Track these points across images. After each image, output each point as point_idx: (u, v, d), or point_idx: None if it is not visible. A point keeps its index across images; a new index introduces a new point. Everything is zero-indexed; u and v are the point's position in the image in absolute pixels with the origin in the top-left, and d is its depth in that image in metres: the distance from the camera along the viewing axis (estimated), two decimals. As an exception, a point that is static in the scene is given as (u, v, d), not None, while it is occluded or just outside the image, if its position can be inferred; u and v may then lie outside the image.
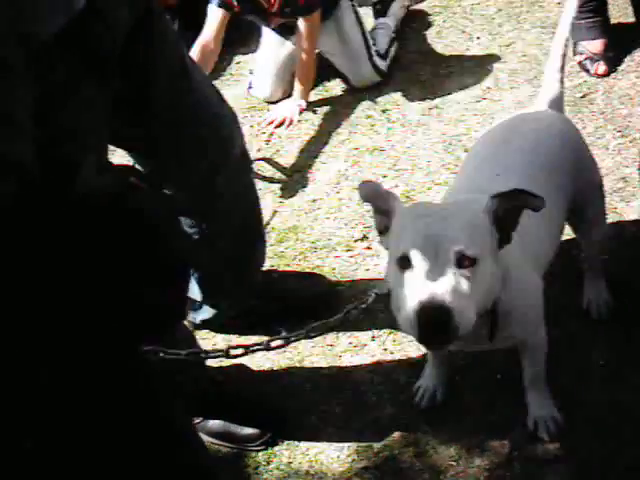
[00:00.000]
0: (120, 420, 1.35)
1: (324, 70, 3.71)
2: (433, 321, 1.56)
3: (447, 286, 1.57)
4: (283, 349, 2.09)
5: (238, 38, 3.92)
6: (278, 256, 2.86)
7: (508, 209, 1.68)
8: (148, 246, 1.28)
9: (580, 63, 3.36)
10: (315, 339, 2.52)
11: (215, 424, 2.34)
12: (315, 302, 2.57)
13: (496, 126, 2.30)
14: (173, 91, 1.94)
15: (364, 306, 1.86)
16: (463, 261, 1.60)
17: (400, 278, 1.64)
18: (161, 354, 1.77)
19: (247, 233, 2.39)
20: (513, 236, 1.72)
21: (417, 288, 1.59)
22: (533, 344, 2.08)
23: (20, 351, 1.21)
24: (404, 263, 1.63)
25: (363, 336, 2.54)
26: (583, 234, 2.36)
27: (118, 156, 2.16)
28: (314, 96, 3.60)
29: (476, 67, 3.53)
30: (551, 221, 2.02)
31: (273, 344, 1.83)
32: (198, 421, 2.34)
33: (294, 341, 1.86)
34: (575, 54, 3.38)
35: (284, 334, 1.87)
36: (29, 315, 1.19)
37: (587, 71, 3.35)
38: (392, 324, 2.48)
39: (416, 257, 1.61)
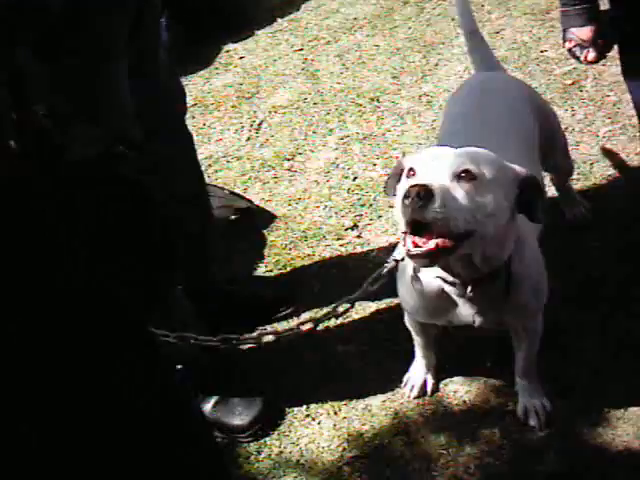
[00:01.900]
0: (129, 408, 1.34)
1: (313, 58, 3.72)
2: (416, 196, 1.56)
3: (438, 182, 1.60)
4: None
5: (228, 27, 3.92)
6: (268, 245, 2.86)
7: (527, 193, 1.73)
8: (144, 213, 1.28)
9: (569, 50, 3.36)
10: (304, 328, 2.53)
11: (206, 411, 2.34)
12: (278, 305, 2.59)
13: (465, 91, 2.37)
14: None
15: (384, 272, 1.89)
16: (465, 176, 1.63)
17: (404, 186, 1.66)
18: (192, 340, 1.81)
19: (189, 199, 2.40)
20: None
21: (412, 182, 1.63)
22: (532, 328, 2.09)
23: (20, 334, 1.20)
24: (409, 174, 1.69)
25: (354, 326, 2.54)
26: (555, 168, 2.50)
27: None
28: (303, 85, 3.59)
29: (465, 55, 3.51)
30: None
31: (304, 327, 1.90)
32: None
33: (323, 321, 1.94)
34: (565, 41, 3.38)
35: (311, 316, 1.92)
36: (30, 296, 1.19)
37: (577, 58, 3.34)
38: (384, 314, 2.50)
39: (420, 166, 1.67)
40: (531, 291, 1.93)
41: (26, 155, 1.22)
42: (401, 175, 1.76)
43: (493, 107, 2.18)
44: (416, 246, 1.60)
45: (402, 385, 2.34)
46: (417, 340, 2.27)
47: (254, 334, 1.92)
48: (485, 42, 2.50)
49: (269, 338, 1.86)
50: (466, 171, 1.63)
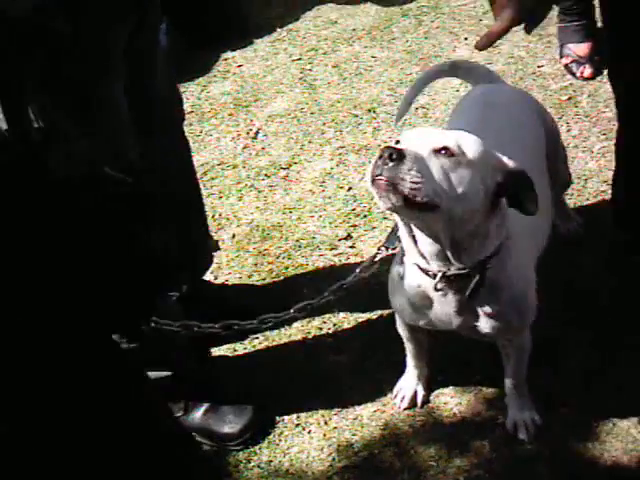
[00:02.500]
0: (100, 409, 1.34)
1: (311, 68, 3.73)
2: (388, 156, 1.57)
3: (414, 150, 1.61)
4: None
5: (226, 35, 3.94)
6: (262, 254, 2.86)
7: (512, 186, 1.72)
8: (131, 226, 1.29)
9: (566, 66, 3.38)
10: (297, 337, 2.54)
11: (196, 419, 2.35)
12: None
13: (467, 105, 2.35)
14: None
15: (376, 260, 1.93)
16: (444, 152, 1.63)
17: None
18: (195, 329, 1.83)
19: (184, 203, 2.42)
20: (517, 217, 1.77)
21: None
22: (518, 345, 2.09)
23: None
24: (395, 143, 1.69)
25: (346, 336, 2.55)
26: (555, 179, 2.41)
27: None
28: (300, 95, 3.60)
29: (463, 68, 3.54)
30: (546, 197, 2.07)
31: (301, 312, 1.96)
32: (178, 415, 2.34)
33: (320, 304, 1.99)
34: (561, 56, 3.39)
35: (308, 301, 1.99)
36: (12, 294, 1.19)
37: (573, 74, 3.36)
38: (376, 325, 2.51)
39: (405, 139, 1.68)
40: (510, 304, 1.90)
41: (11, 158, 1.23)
42: None
43: (498, 119, 2.16)
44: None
45: (393, 396, 2.34)
46: (408, 348, 2.27)
47: (254, 320, 1.94)
48: (472, 62, 2.50)
49: (269, 325, 1.95)
50: (445, 148, 1.63)
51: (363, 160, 3.18)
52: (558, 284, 2.46)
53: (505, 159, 1.73)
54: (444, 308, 1.89)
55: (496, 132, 2.06)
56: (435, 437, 2.26)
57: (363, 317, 2.56)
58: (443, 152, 1.63)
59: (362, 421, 2.33)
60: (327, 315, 2.60)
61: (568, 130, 3.11)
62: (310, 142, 3.33)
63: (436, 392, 2.35)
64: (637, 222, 2.43)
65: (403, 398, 2.33)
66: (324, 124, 3.41)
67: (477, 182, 1.66)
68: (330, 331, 2.57)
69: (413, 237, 1.76)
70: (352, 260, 2.79)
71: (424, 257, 1.78)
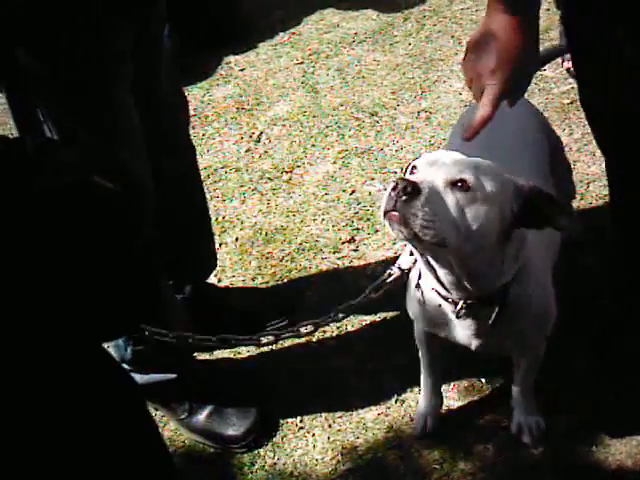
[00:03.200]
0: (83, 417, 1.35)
1: (313, 71, 3.73)
2: (402, 189, 1.52)
3: (430, 184, 1.55)
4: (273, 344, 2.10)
5: (229, 38, 3.94)
6: (265, 257, 2.87)
7: (534, 207, 1.64)
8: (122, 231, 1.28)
9: (568, 69, 3.38)
10: (302, 340, 2.54)
11: (200, 421, 2.35)
12: (273, 317, 2.59)
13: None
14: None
15: (389, 280, 1.85)
16: (460, 185, 1.57)
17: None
18: (190, 340, 1.82)
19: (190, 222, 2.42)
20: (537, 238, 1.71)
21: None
22: (533, 355, 2.08)
23: None
24: (411, 172, 1.64)
25: (351, 338, 2.55)
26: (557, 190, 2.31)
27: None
28: (303, 98, 3.60)
29: (465, 72, 3.54)
30: None
31: (303, 330, 1.87)
32: (183, 417, 2.35)
33: (323, 325, 1.89)
34: (563, 60, 3.40)
35: (312, 320, 1.88)
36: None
37: (575, 77, 3.36)
38: (381, 327, 2.51)
39: (421, 166, 1.62)
40: (533, 320, 1.87)
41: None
42: None
43: (504, 129, 2.05)
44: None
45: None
46: (422, 354, 2.20)
47: (254, 336, 1.90)
48: None
49: (269, 339, 1.84)
50: (462, 180, 1.57)
51: (366, 163, 3.19)
52: (561, 287, 2.46)
53: (521, 182, 1.65)
54: (464, 331, 1.85)
55: (501, 143, 2.02)
56: (439, 440, 2.26)
57: (367, 320, 2.56)
58: (460, 184, 1.56)
59: (366, 424, 2.33)
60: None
61: (570, 134, 3.11)
62: (313, 145, 3.33)
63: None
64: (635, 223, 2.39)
65: (416, 426, 2.29)
66: (327, 127, 3.41)
67: (493, 217, 1.60)
68: (334, 334, 2.57)
69: (431, 265, 1.71)
70: (355, 263, 2.80)
71: (443, 285, 1.73)
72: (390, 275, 1.86)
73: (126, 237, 1.31)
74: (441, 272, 1.70)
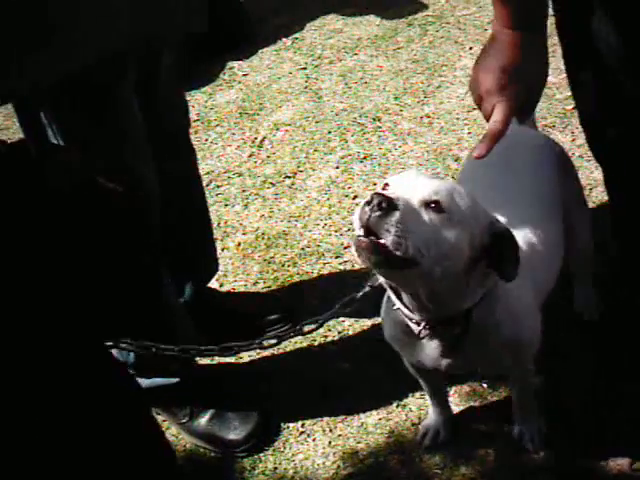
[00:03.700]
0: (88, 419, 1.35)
1: (316, 77, 3.74)
2: (377, 204, 1.50)
3: (406, 201, 1.53)
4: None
5: (231, 44, 3.95)
6: (267, 262, 2.87)
7: (498, 245, 1.64)
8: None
9: (571, 75, 3.38)
10: (303, 344, 2.54)
11: (201, 425, 2.35)
12: (275, 322, 2.59)
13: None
14: None
15: (358, 296, 1.86)
16: (434, 206, 1.55)
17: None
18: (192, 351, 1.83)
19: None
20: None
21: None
22: (519, 377, 2.08)
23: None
24: (384, 187, 1.62)
25: (352, 343, 2.55)
26: (572, 243, 2.22)
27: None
28: (305, 103, 3.61)
29: (468, 77, 3.54)
30: (557, 245, 2.01)
31: (305, 329, 1.90)
32: (184, 421, 2.35)
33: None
34: (566, 66, 3.40)
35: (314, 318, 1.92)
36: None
37: (578, 84, 3.36)
38: (379, 331, 2.50)
39: (395, 184, 1.60)
40: (504, 346, 1.84)
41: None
42: None
43: (517, 161, 2.05)
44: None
45: (419, 435, 2.29)
46: (422, 385, 2.20)
47: (255, 340, 1.92)
48: None
49: (270, 343, 1.91)
50: (436, 202, 1.55)
51: (368, 168, 3.19)
52: (562, 293, 2.46)
53: (494, 218, 1.66)
54: (430, 351, 1.83)
55: (513, 175, 1.99)
56: (440, 445, 2.26)
57: (368, 324, 2.56)
58: (433, 205, 1.55)
59: (367, 429, 2.33)
60: (332, 323, 2.61)
61: (573, 140, 3.11)
62: (315, 151, 3.34)
63: (441, 400, 2.36)
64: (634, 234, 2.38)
65: (425, 435, 2.27)
66: (329, 133, 3.42)
67: (463, 242, 1.59)
68: (335, 338, 2.57)
69: (393, 287, 1.71)
70: (357, 268, 2.80)
71: (406, 306, 1.73)
72: (361, 292, 1.86)
73: (131, 237, 1.32)
74: (404, 294, 1.70)
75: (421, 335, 1.76)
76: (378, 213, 1.50)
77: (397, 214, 1.50)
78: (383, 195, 1.51)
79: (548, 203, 2.03)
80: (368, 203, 1.51)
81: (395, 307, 1.77)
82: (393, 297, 1.76)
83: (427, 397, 2.27)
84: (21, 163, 1.28)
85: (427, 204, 1.55)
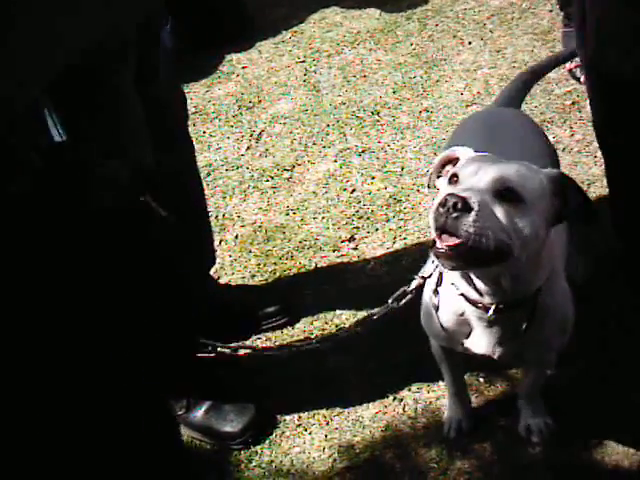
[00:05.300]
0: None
1: (315, 70, 3.74)
2: (452, 206, 1.47)
3: (478, 197, 1.50)
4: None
5: (230, 37, 3.95)
6: (265, 255, 2.87)
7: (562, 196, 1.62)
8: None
9: (570, 70, 3.38)
10: (299, 338, 2.54)
11: (197, 417, 2.35)
12: (272, 315, 2.59)
13: (472, 125, 2.30)
14: None
15: (410, 289, 1.84)
16: (507, 194, 1.53)
17: (443, 192, 1.58)
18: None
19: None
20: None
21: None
22: (548, 360, 2.05)
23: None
24: (452, 179, 1.60)
25: (350, 336, 2.54)
26: None
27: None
28: (304, 96, 3.60)
29: (467, 72, 3.55)
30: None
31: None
32: (180, 413, 2.35)
33: (347, 336, 1.93)
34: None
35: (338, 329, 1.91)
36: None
37: (577, 79, 3.36)
38: (377, 325, 2.50)
39: (464, 176, 1.58)
40: (557, 326, 1.84)
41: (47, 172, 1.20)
42: (442, 169, 1.71)
43: (506, 140, 2.08)
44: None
45: (445, 430, 2.28)
46: (445, 372, 2.19)
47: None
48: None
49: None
50: (509, 190, 1.53)
51: (367, 162, 3.19)
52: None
53: (551, 173, 1.63)
54: (488, 338, 1.81)
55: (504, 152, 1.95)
56: (436, 439, 2.26)
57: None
58: (506, 193, 1.53)
59: (363, 422, 2.33)
60: (330, 316, 2.61)
61: (572, 135, 3.11)
62: (314, 144, 3.34)
63: (437, 394, 2.36)
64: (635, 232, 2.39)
65: (449, 428, 2.27)
66: (328, 126, 3.41)
67: (540, 222, 1.57)
68: (333, 332, 2.57)
69: (468, 276, 1.68)
70: (355, 262, 2.80)
71: (478, 291, 1.69)
72: (412, 284, 1.84)
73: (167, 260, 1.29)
74: (481, 282, 1.67)
75: (489, 318, 1.72)
76: (454, 215, 1.48)
77: (473, 214, 1.48)
78: (457, 196, 1.49)
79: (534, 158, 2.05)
80: (442, 205, 1.49)
81: (459, 292, 1.73)
82: (459, 283, 1.71)
83: (447, 386, 2.25)
84: (59, 177, 1.23)
85: (500, 193, 1.53)
